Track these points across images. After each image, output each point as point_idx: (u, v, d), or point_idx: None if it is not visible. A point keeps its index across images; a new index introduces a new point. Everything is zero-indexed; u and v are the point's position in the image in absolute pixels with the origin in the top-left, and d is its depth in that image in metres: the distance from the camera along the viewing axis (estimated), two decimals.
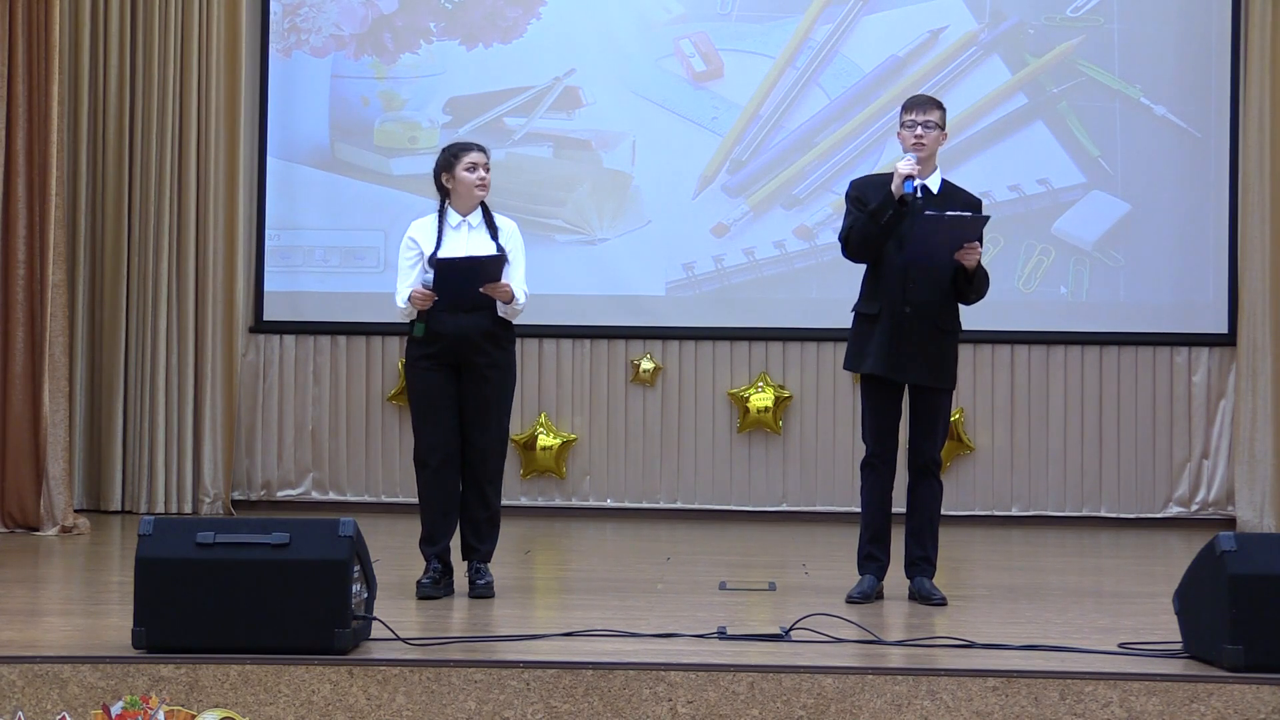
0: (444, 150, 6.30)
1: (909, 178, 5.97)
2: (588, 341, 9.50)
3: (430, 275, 6.05)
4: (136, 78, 9.19)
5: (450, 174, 6.20)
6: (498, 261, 6.04)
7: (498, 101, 9.55)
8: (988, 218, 6.11)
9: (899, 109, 6.24)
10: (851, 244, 6.16)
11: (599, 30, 9.55)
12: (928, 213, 5.93)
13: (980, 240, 6.15)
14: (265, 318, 9.55)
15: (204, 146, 9.22)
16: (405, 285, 6.14)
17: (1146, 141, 9.38)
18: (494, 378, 6.17)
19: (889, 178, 6.12)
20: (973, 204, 6.23)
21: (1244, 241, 9.10)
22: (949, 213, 5.96)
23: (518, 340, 9.31)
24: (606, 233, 9.50)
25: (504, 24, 9.57)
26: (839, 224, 6.35)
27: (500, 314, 6.16)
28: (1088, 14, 9.43)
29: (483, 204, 6.26)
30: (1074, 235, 9.40)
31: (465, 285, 6.02)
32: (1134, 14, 9.41)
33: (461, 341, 6.12)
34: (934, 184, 6.18)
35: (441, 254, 6.09)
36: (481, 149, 6.25)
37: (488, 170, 6.21)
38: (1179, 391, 9.37)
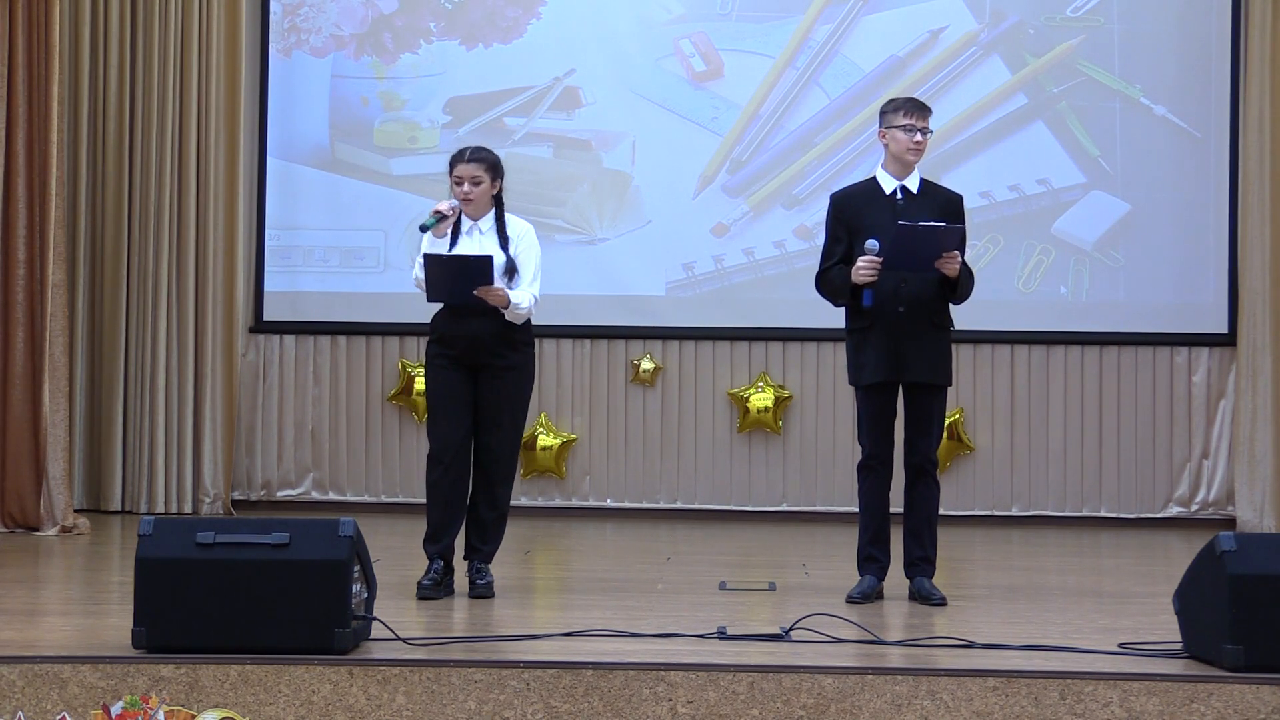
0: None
1: (870, 286, 6.03)
2: (588, 341, 9.50)
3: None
4: (136, 78, 9.19)
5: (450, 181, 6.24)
6: (482, 262, 5.98)
7: (498, 101, 9.55)
8: (963, 228, 6.09)
9: (887, 103, 6.26)
10: (821, 291, 6.29)
11: (599, 30, 9.55)
12: (901, 223, 5.96)
13: (964, 246, 6.16)
14: (265, 318, 9.55)
15: (204, 146, 9.22)
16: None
17: (1146, 141, 9.37)
18: (509, 378, 6.18)
19: (869, 189, 6.23)
20: (953, 201, 6.25)
21: (1244, 241, 9.10)
22: (922, 224, 5.98)
23: None
24: (606, 233, 9.50)
25: (504, 24, 9.57)
26: None
27: (507, 316, 6.15)
28: (1088, 14, 9.43)
29: (497, 207, 6.24)
30: (1074, 235, 9.40)
31: (454, 283, 5.99)
32: (1134, 14, 9.41)
33: (475, 345, 6.13)
34: (913, 184, 6.21)
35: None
36: (474, 159, 6.18)
37: (477, 184, 6.14)
38: (1179, 391, 9.37)
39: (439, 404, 6.18)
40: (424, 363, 6.35)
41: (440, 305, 6.22)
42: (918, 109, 6.16)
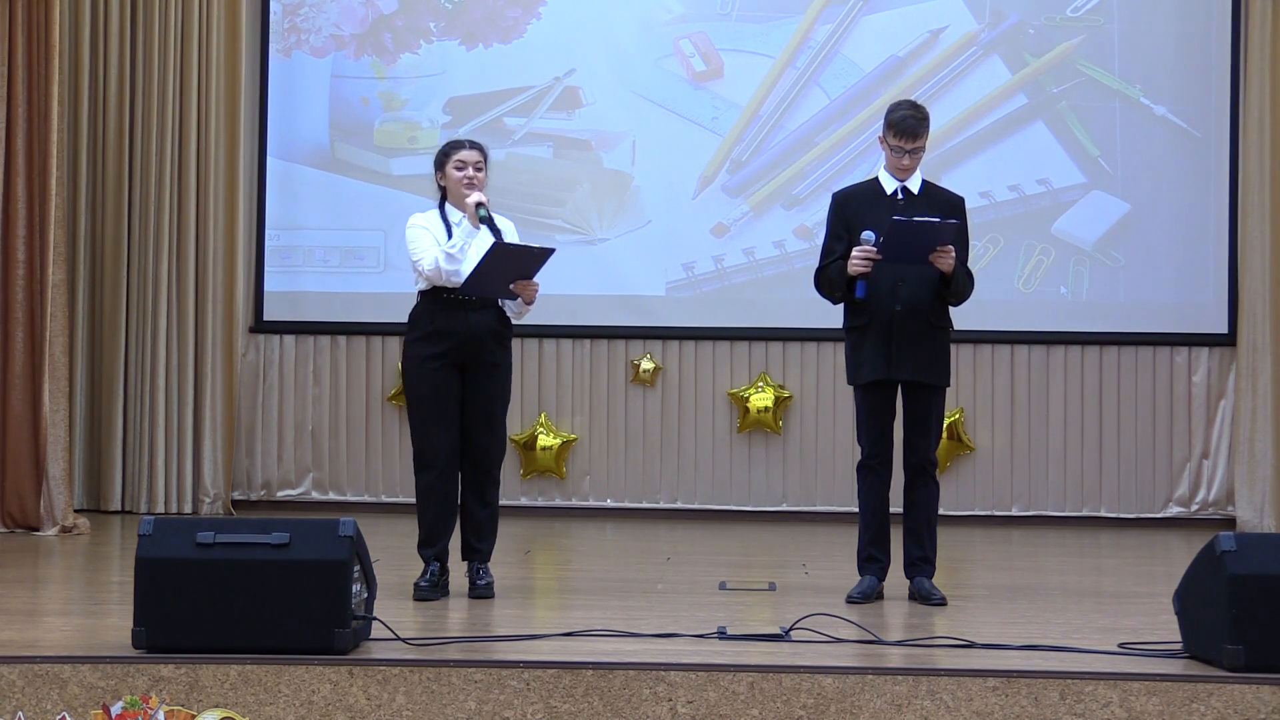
0: (440, 148, 6.30)
1: (864, 276, 6.03)
2: (588, 341, 9.50)
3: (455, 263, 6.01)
4: (136, 78, 9.19)
5: (442, 172, 6.21)
6: (546, 254, 5.99)
7: (498, 101, 9.55)
8: (955, 223, 6.07)
9: (887, 109, 6.22)
10: (820, 288, 6.30)
11: (599, 30, 9.55)
12: (895, 218, 5.96)
13: (967, 241, 6.15)
14: (265, 318, 9.55)
15: (204, 146, 9.22)
16: (433, 248, 6.04)
17: (1146, 141, 9.38)
18: (498, 377, 6.18)
19: (871, 189, 6.23)
20: (954, 203, 6.24)
21: (1244, 241, 9.10)
22: (916, 218, 5.98)
23: (518, 340, 9.34)
24: (606, 233, 9.50)
25: (504, 24, 9.57)
26: None
27: (510, 313, 6.17)
28: (1088, 14, 9.43)
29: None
30: (1074, 235, 9.40)
31: (505, 274, 5.95)
32: (1134, 14, 9.41)
33: (471, 340, 6.10)
34: (914, 185, 6.20)
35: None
36: (475, 146, 6.22)
37: (479, 169, 6.16)
38: (1179, 391, 9.37)
39: (432, 408, 6.10)
40: (405, 363, 6.22)
41: (418, 301, 6.15)
42: (908, 133, 6.07)
